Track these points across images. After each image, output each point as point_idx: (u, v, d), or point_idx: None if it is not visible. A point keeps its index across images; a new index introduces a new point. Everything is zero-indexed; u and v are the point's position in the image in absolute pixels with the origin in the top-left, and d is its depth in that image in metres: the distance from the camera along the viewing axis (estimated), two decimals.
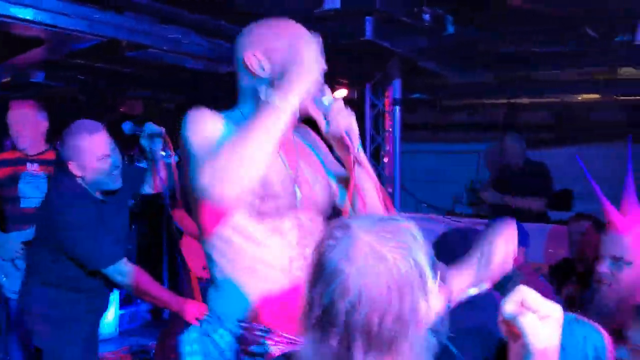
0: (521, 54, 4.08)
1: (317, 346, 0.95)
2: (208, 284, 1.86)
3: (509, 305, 1.03)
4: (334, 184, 1.96)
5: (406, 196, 6.31)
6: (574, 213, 4.57)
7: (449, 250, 2.76)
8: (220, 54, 3.80)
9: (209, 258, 1.80)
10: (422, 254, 1.02)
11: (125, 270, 2.75)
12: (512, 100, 5.51)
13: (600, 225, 2.73)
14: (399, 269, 0.95)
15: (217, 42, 3.61)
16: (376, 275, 0.93)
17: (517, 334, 1.02)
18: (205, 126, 1.65)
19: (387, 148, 4.82)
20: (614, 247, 2.31)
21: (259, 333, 1.69)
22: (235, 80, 1.84)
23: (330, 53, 4.09)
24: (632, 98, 5.21)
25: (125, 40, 3.05)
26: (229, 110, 1.80)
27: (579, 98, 5.37)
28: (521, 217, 4.42)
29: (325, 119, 1.74)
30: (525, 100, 5.52)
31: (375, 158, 4.86)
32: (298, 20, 3.86)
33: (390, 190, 4.87)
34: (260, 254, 1.73)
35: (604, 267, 2.25)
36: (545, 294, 1.18)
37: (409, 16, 3.77)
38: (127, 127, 2.85)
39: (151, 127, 2.79)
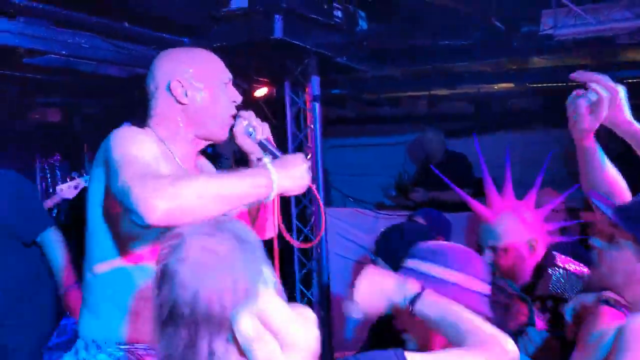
0: (432, 47, 4.15)
1: (170, 341, 1.01)
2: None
3: (245, 322, 0.70)
4: None
5: (333, 192, 6.33)
6: None
7: (390, 249, 2.81)
8: (130, 57, 3.67)
9: (87, 284, 1.76)
10: (252, 238, 1.10)
11: None
12: (432, 92, 5.61)
13: None
14: (228, 255, 1.04)
15: (123, 44, 3.49)
16: (208, 266, 1.02)
17: None
18: (141, 145, 1.59)
19: (309, 144, 4.80)
20: (488, 237, 2.42)
21: (142, 352, 1.65)
22: (148, 99, 1.80)
23: (244, 52, 4.00)
24: (544, 85, 5.40)
25: (20, 46, 2.91)
26: (141, 127, 1.75)
27: (495, 87, 5.52)
28: (446, 207, 4.54)
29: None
30: (444, 92, 5.63)
31: None
32: (205, 20, 3.78)
33: (314, 186, 4.86)
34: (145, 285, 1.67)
35: (485, 258, 2.35)
36: None
37: (318, 14, 3.76)
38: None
39: None
